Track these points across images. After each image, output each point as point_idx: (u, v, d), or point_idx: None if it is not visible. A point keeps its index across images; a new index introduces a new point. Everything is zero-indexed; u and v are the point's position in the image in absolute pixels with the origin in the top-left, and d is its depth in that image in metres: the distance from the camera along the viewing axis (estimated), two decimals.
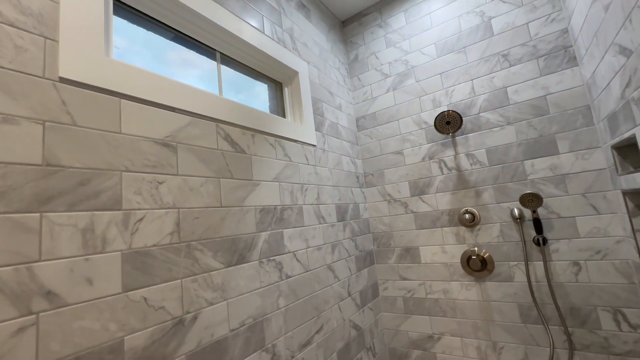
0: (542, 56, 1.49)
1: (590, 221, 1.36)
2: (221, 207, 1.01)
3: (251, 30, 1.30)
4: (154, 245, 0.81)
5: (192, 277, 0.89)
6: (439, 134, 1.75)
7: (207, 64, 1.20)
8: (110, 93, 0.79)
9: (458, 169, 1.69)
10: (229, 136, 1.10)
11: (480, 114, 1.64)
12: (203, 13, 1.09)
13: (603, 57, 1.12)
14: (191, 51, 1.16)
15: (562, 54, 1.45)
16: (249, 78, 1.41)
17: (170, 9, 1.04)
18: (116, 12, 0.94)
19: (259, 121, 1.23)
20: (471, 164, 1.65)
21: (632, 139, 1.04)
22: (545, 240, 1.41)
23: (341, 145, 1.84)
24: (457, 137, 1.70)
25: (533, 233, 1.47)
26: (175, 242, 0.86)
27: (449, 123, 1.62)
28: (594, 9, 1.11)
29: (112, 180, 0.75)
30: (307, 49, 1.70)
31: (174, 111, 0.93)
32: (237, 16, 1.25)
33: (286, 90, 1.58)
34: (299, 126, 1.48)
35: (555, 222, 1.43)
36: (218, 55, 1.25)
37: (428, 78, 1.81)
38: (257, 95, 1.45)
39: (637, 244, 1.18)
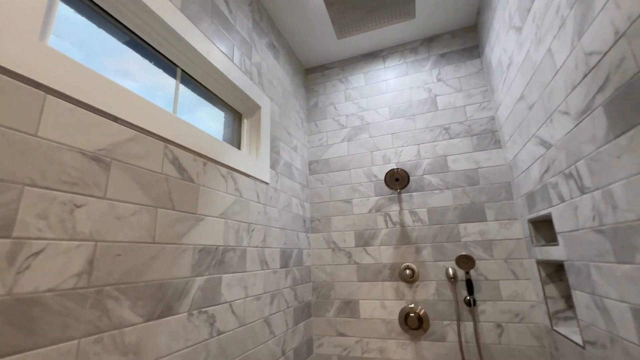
0: (475, 135, 1.74)
1: (511, 285, 1.51)
2: (153, 243, 0.83)
3: (220, 55, 1.23)
4: (50, 290, 0.59)
5: (96, 336, 0.66)
6: (387, 189, 1.84)
7: (161, 78, 1.07)
8: (34, 85, 0.62)
9: (402, 224, 1.76)
10: (178, 160, 0.95)
11: (424, 176, 1.78)
12: (173, 26, 1.00)
13: (525, 144, 1.34)
14: (146, 60, 1.03)
15: (490, 136, 1.71)
16: (206, 102, 1.30)
17: (135, 13, 0.93)
18: None
19: (213, 149, 1.11)
20: (413, 221, 1.74)
21: (548, 216, 1.22)
22: (475, 301, 1.51)
23: (293, 187, 1.78)
24: (402, 194, 1.80)
25: (465, 293, 1.57)
26: (82, 286, 0.65)
27: (397, 180, 1.72)
28: (519, 106, 1.35)
29: (6, 196, 0.55)
30: (272, 86, 1.69)
31: (116, 121, 0.77)
32: (208, 38, 1.18)
33: (245, 122, 1.50)
34: (254, 161, 1.39)
35: (482, 283, 1.55)
36: (179, 72, 1.13)
37: (381, 135, 1.94)
38: (213, 121, 1.34)
39: (547, 309, 1.33)
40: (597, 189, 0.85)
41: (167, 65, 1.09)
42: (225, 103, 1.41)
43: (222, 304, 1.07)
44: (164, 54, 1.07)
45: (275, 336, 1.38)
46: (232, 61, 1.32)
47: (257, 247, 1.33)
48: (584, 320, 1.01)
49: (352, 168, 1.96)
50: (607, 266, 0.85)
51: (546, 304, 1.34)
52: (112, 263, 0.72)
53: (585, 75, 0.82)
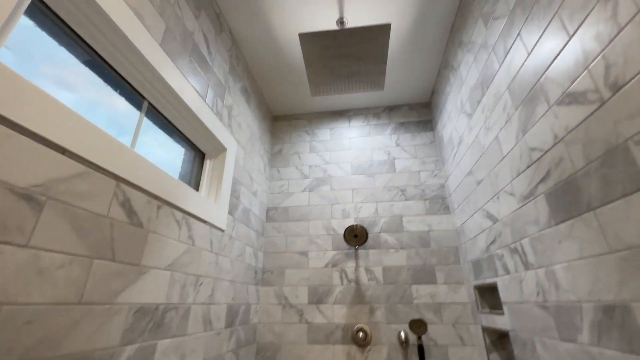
0: (427, 199, 1.87)
1: (458, 352, 1.53)
2: (79, 304, 0.67)
3: (194, 94, 1.19)
4: None
5: None
6: (344, 244, 1.83)
7: (121, 106, 0.98)
8: None
9: (357, 281, 1.73)
10: (129, 202, 0.83)
11: (381, 234, 1.83)
12: (150, 59, 0.94)
13: (472, 215, 1.47)
14: (108, 87, 0.93)
15: (441, 202, 1.86)
16: (167, 137, 1.21)
17: (111, 42, 0.86)
18: (28, 9, 0.71)
19: (171, 190, 1.00)
20: (369, 279, 1.73)
21: (493, 284, 1.31)
22: None
23: (248, 234, 1.68)
24: (359, 250, 1.80)
25: (416, 359, 1.54)
26: None
27: (356, 236, 1.73)
28: (467, 180, 1.50)
29: None
30: (241, 130, 1.66)
31: (63, 153, 0.66)
32: (184, 76, 1.14)
33: (208, 163, 1.42)
34: (213, 205, 1.29)
35: (432, 349, 1.55)
36: (146, 104, 1.05)
37: (342, 190, 1.99)
38: (169, 156, 1.23)
39: None
40: (540, 267, 0.94)
41: (131, 94, 1.00)
42: (189, 141, 1.32)
43: None
44: (132, 83, 0.99)
45: None
46: (205, 101, 1.28)
47: (202, 303, 1.17)
48: None
49: (311, 219, 1.94)
50: (551, 342, 0.91)
51: None
52: (18, 334, 0.55)
53: (529, 166, 0.96)
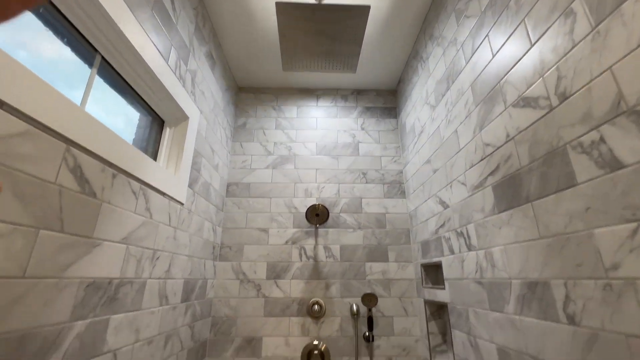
0: (386, 183, 1.97)
1: (402, 321, 1.70)
2: (23, 278, 0.60)
3: (155, 53, 1.07)
4: None
5: None
6: (305, 222, 1.87)
7: (68, 58, 0.85)
8: None
9: (315, 258, 1.80)
10: (80, 168, 0.75)
11: (341, 214, 1.90)
12: (104, 4, 0.82)
13: (426, 200, 1.60)
14: (49, 32, 0.80)
15: (398, 186, 1.97)
16: (122, 100, 1.09)
17: None
18: None
19: (128, 158, 0.92)
20: (326, 257, 1.81)
21: (438, 263, 1.46)
22: (373, 337, 1.62)
23: (207, 209, 1.62)
24: (320, 229, 1.86)
25: (364, 329, 1.67)
26: None
27: (318, 215, 1.77)
28: (425, 168, 1.61)
29: None
30: (204, 98, 1.56)
31: (1, 107, 0.56)
32: (145, 31, 1.02)
33: (168, 131, 1.32)
34: (172, 177, 1.22)
35: (380, 319, 1.70)
36: (99, 58, 0.93)
37: (306, 169, 2.00)
38: (122, 121, 1.12)
39: (429, 343, 1.54)
40: (481, 249, 1.07)
41: (81, 46, 0.88)
42: (147, 106, 1.21)
43: (103, 354, 0.84)
44: (83, 33, 0.86)
45: None
46: (167, 63, 1.17)
47: (159, 278, 1.12)
48: (459, 355, 1.21)
49: (273, 197, 1.93)
50: (482, 312, 1.06)
51: (428, 338, 1.55)
52: None
53: (482, 159, 1.06)
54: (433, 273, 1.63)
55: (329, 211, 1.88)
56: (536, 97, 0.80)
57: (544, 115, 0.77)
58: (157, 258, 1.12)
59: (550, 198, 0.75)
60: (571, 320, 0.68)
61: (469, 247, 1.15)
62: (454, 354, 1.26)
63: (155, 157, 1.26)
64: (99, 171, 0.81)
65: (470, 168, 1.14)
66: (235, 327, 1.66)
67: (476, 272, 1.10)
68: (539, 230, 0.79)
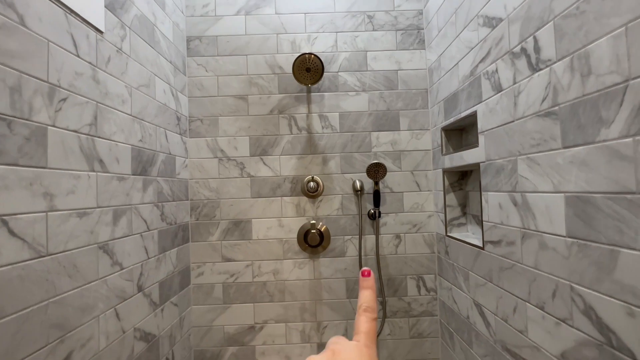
0: (400, 30, 1.47)
1: (413, 197, 1.45)
2: None
3: None
4: None
5: None
6: (293, 86, 1.45)
7: None
8: None
9: (309, 130, 1.45)
10: None
11: (340, 73, 1.46)
12: None
13: (458, 35, 1.14)
14: None
15: (415, 33, 1.47)
16: None
17: None
18: None
19: None
20: (323, 127, 1.45)
21: (472, 114, 1.09)
22: (379, 214, 1.40)
23: (157, 61, 1.18)
24: (313, 94, 1.45)
25: (369, 206, 1.44)
26: None
27: (309, 70, 1.33)
28: None
29: None
30: None
31: None
32: None
33: None
34: None
35: (387, 196, 1.45)
36: None
37: (291, 14, 1.46)
38: None
39: (445, 217, 1.32)
40: (562, 57, 0.67)
41: None
42: None
43: None
44: None
45: (122, 269, 0.94)
46: None
47: (76, 131, 0.77)
48: (492, 221, 0.96)
49: (249, 53, 1.46)
50: (544, 156, 0.73)
51: (445, 212, 1.32)
52: None
53: None
54: (456, 138, 1.30)
55: (324, 65, 1.44)
56: None
57: None
58: (65, 99, 0.74)
59: None
60: None
61: (536, 67, 0.76)
62: (482, 221, 1.02)
63: None
64: None
65: None
66: (219, 210, 1.43)
67: (544, 100, 0.73)
68: None
